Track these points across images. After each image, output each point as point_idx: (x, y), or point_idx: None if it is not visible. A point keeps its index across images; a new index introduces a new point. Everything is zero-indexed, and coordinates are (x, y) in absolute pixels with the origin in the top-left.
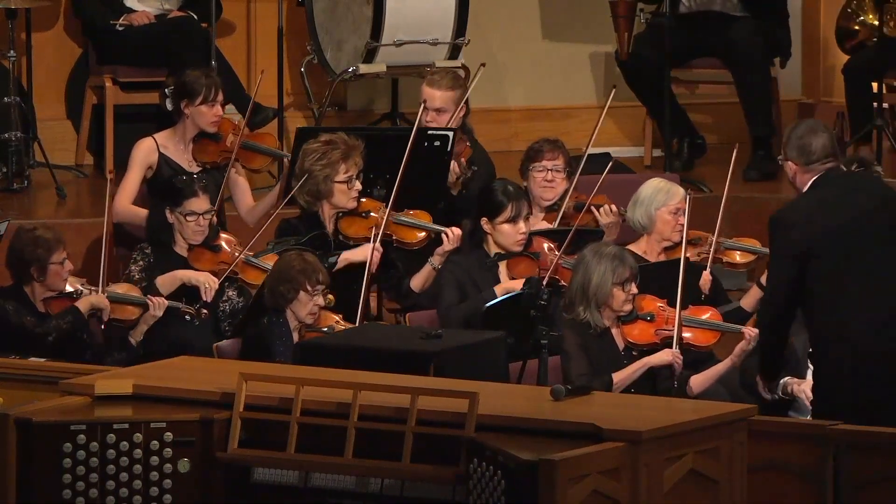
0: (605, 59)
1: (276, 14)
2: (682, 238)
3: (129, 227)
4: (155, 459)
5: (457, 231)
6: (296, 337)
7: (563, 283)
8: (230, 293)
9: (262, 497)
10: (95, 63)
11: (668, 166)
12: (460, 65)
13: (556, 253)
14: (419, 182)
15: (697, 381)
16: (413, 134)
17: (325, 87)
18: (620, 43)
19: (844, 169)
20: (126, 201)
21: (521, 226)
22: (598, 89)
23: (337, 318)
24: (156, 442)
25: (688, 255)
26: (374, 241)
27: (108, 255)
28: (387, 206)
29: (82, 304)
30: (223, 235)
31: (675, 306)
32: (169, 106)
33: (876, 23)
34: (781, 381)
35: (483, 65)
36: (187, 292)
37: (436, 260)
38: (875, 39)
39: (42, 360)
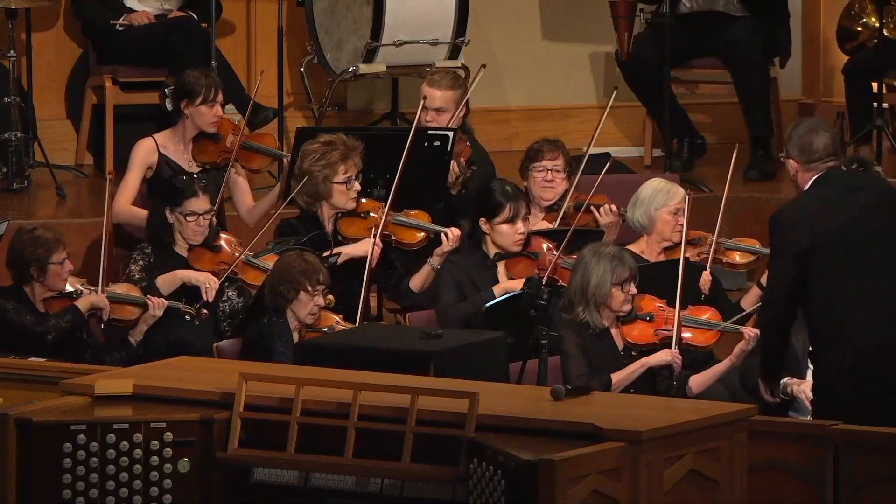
0: (605, 59)
1: (276, 14)
2: (682, 238)
3: (129, 227)
4: (155, 459)
5: (456, 232)
6: (296, 337)
7: (561, 283)
8: (230, 293)
9: (262, 497)
10: (95, 63)
11: (668, 166)
12: (460, 65)
13: (555, 253)
14: (419, 182)
15: (697, 381)
16: (412, 134)
17: (325, 87)
18: (620, 43)
19: (845, 168)
20: (126, 202)
21: (520, 226)
22: (598, 89)
23: (337, 318)
24: (156, 442)
25: (687, 255)
26: (375, 237)
27: (108, 255)
28: (385, 207)
29: (82, 304)
30: (223, 235)
31: (674, 306)
32: (169, 106)
33: (877, 24)
34: (781, 382)
35: (484, 66)
36: (187, 292)
37: (435, 260)
38: (875, 41)
39: (42, 360)
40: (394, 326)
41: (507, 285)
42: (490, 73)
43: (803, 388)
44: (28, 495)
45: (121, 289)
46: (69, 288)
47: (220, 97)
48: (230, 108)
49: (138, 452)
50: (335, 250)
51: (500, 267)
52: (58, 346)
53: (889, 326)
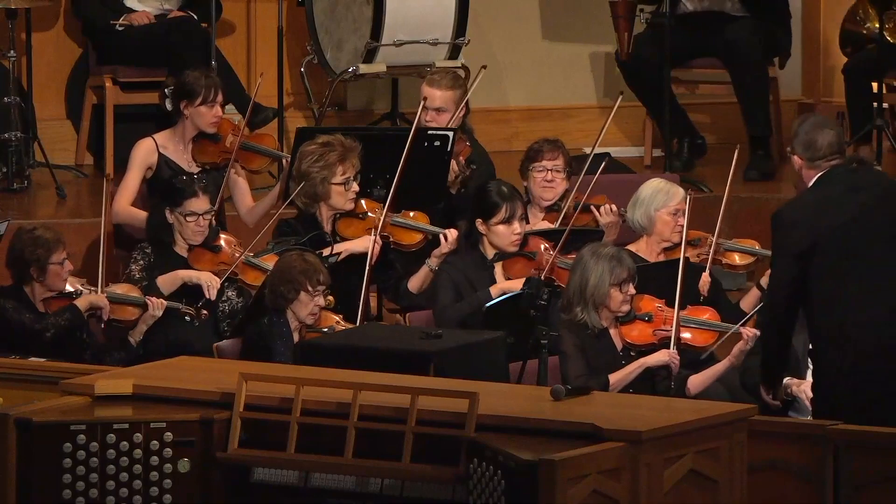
0: (605, 59)
1: (276, 14)
2: (681, 239)
3: (129, 227)
4: (155, 459)
5: (454, 233)
6: (296, 337)
7: (558, 283)
8: (230, 293)
9: (262, 497)
10: (95, 63)
11: (668, 166)
12: (460, 65)
13: (552, 253)
14: (419, 182)
15: (696, 381)
16: (412, 134)
17: (325, 87)
18: (620, 43)
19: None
20: (125, 202)
21: (516, 226)
22: (598, 89)
23: (337, 318)
24: (156, 442)
25: (687, 255)
26: (375, 235)
27: (108, 255)
28: (384, 208)
29: (81, 303)
30: (223, 236)
31: (673, 306)
32: (169, 106)
33: (878, 27)
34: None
35: (484, 67)
36: (187, 292)
37: (433, 262)
38: (874, 44)
39: (42, 360)
40: (394, 326)
41: (505, 285)
42: (490, 73)
43: (803, 388)
44: (28, 495)
45: (121, 289)
46: (69, 288)
47: (219, 97)
48: (230, 108)
49: (138, 452)
50: (335, 248)
51: (497, 267)
52: (57, 346)
53: (889, 326)
